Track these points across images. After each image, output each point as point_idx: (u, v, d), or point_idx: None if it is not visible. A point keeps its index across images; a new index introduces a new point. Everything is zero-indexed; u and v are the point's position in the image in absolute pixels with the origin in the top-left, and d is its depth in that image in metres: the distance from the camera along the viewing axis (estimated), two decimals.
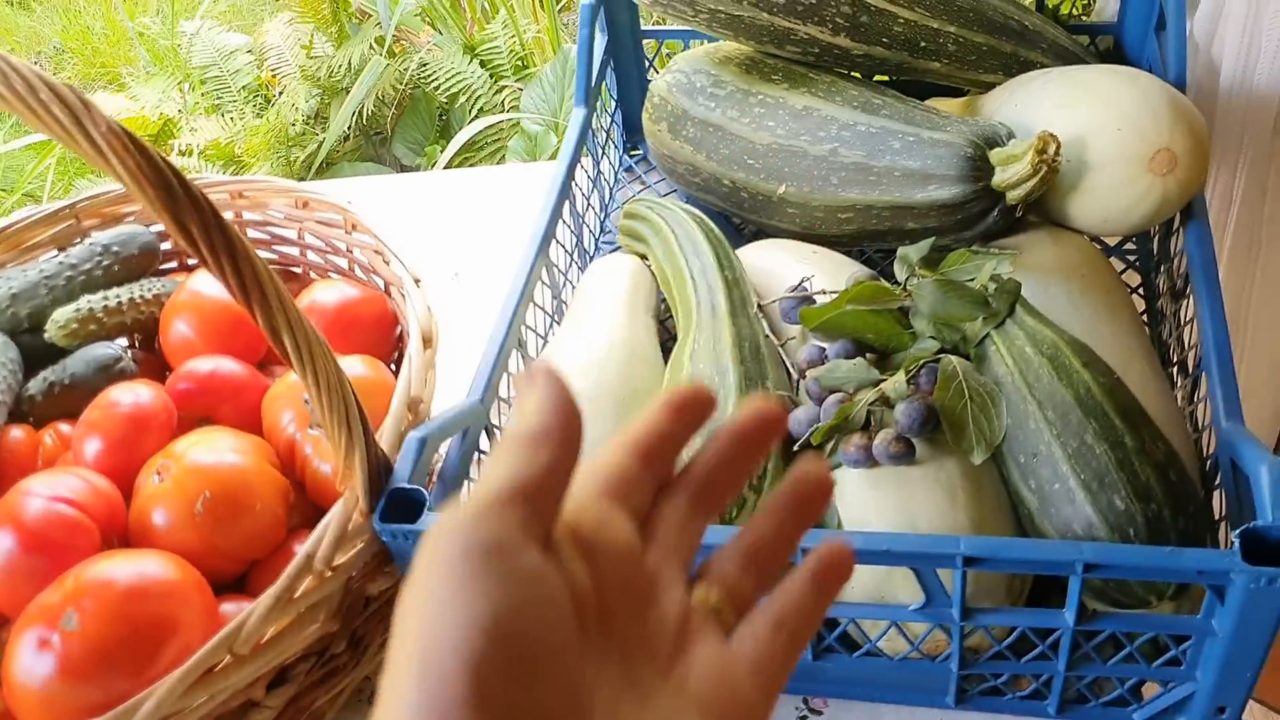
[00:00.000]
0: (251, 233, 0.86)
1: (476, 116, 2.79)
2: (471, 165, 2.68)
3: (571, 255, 0.90)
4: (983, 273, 0.67)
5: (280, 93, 2.94)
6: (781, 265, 0.82)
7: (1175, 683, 0.60)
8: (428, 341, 0.71)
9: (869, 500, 0.62)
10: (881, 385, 0.63)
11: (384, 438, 0.64)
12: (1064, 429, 0.59)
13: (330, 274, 0.86)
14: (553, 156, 2.54)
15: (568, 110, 2.68)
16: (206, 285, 0.79)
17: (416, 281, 0.75)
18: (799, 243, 0.84)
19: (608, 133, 1.00)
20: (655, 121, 0.93)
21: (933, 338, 0.66)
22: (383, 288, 0.82)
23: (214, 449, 0.69)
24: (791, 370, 0.71)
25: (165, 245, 0.87)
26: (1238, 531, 0.53)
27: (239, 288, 0.52)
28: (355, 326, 0.77)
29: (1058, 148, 0.72)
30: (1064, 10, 1.24)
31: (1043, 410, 0.60)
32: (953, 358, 0.63)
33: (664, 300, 0.85)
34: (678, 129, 0.91)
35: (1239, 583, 0.53)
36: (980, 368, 0.64)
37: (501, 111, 2.81)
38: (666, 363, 0.76)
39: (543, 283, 0.83)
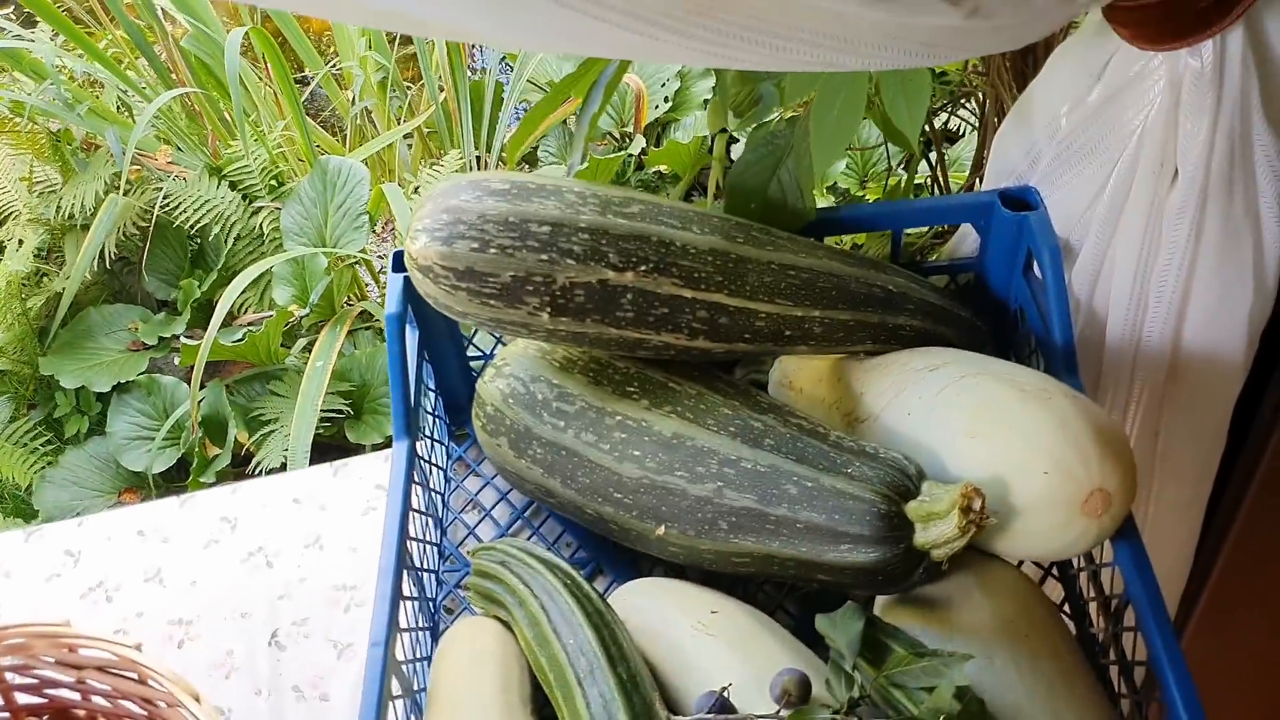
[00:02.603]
0: (13, 677, 0.68)
1: (234, 243, 2.55)
2: (244, 306, 2.45)
3: (417, 620, 0.76)
4: (941, 694, 0.57)
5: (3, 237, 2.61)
6: (674, 629, 0.70)
7: None
8: None
9: None
10: None
11: None
12: None
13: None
14: (328, 296, 2.34)
15: (334, 227, 2.49)
16: None
17: None
18: (691, 592, 0.72)
19: (432, 434, 0.86)
20: (493, 435, 0.79)
21: None
22: None
23: None
24: None
25: None
26: None
27: None
28: None
29: (983, 503, 0.63)
30: (913, 242, 1.17)
31: None
32: None
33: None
34: (522, 448, 0.77)
35: None
36: None
37: (259, 234, 2.58)
38: None
39: (393, 697, 0.68)
